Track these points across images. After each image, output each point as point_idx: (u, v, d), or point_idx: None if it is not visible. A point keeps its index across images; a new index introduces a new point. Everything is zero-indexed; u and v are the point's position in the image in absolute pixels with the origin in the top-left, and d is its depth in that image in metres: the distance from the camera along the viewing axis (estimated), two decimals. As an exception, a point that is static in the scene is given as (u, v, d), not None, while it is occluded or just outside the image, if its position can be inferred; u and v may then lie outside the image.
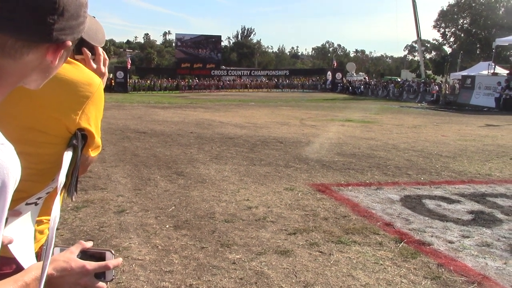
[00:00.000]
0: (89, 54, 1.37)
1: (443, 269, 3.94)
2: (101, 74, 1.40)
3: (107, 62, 1.45)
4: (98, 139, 1.30)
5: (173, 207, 5.55)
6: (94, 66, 1.39)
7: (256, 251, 4.23)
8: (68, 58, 1.19)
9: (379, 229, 4.94)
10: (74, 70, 1.19)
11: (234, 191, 6.37)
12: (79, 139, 1.20)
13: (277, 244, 4.43)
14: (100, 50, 1.39)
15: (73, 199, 1.23)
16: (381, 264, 4.02)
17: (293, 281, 3.65)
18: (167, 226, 4.87)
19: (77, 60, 1.34)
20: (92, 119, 1.24)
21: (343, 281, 3.67)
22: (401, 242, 4.54)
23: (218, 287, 3.50)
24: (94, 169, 7.45)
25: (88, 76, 1.23)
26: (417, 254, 4.26)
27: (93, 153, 1.32)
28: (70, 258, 1.00)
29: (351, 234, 4.76)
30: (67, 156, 1.16)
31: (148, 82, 49.85)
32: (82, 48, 1.35)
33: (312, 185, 6.87)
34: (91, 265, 1.01)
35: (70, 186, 1.20)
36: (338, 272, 3.84)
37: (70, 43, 0.85)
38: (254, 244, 4.40)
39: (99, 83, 1.25)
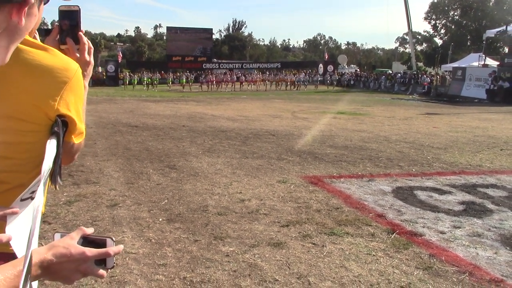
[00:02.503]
0: (73, 43, 1.35)
1: (434, 260, 3.98)
2: (85, 63, 1.38)
3: (92, 50, 1.42)
4: (80, 125, 1.27)
5: (166, 201, 5.55)
6: (78, 55, 1.37)
7: (249, 244, 4.24)
8: (44, 45, 1.17)
9: (371, 220, 4.97)
10: (49, 56, 1.17)
11: (226, 184, 6.37)
12: (60, 126, 1.18)
13: (270, 236, 4.45)
14: (85, 39, 1.36)
15: (57, 187, 1.22)
16: (374, 255, 4.05)
17: (287, 272, 3.67)
18: (160, 219, 4.87)
19: (62, 50, 1.33)
20: (72, 104, 1.21)
21: (336, 272, 3.69)
22: (393, 233, 4.57)
23: (211, 280, 3.51)
24: (86, 163, 7.43)
25: (64, 62, 1.20)
26: (409, 245, 4.29)
27: (76, 140, 1.29)
28: (70, 244, 0.98)
29: (343, 225, 4.79)
30: (51, 144, 1.14)
31: (150, 76, 43.00)
32: (66, 38, 1.34)
33: (304, 177, 6.89)
34: (91, 251, 0.99)
35: (54, 173, 1.18)
36: (331, 263, 3.87)
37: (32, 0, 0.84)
38: (247, 237, 4.42)
39: (77, 69, 1.22)
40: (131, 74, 45.22)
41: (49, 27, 1.63)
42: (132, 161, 7.78)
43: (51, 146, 1.14)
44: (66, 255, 0.96)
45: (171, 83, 43.28)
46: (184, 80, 42.20)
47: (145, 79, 41.30)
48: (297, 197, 5.83)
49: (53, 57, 1.18)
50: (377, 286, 3.48)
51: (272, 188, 6.24)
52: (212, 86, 40.66)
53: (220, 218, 4.94)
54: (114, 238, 1.04)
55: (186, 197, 5.73)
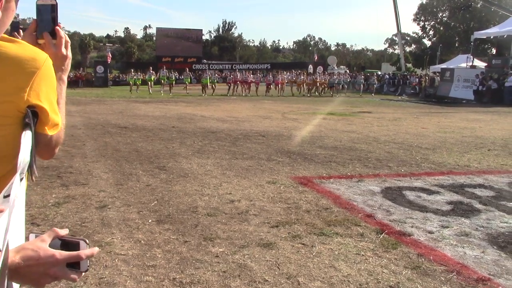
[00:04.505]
0: (50, 38, 1.34)
1: (423, 259, 4.01)
2: (62, 57, 1.36)
3: (69, 44, 1.39)
4: (54, 116, 1.23)
5: (156, 202, 5.53)
6: (54, 49, 1.34)
7: (239, 244, 4.25)
8: (11, 37, 1.15)
9: (360, 220, 5.00)
10: (16, 47, 1.14)
11: (216, 185, 6.37)
12: (30, 117, 1.14)
13: (260, 237, 4.46)
14: (62, 33, 1.34)
15: (33, 179, 1.20)
16: (363, 255, 4.07)
17: (276, 273, 3.68)
18: (150, 220, 4.86)
19: (39, 44, 1.32)
20: (43, 94, 1.17)
21: (326, 272, 3.71)
22: (382, 233, 4.60)
23: (201, 281, 3.51)
24: (75, 164, 7.39)
25: (31, 52, 1.17)
26: (397, 245, 4.32)
27: (51, 132, 1.24)
28: (40, 246, 0.95)
29: (333, 226, 4.81)
30: (26, 137, 1.11)
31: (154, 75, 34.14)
32: (43, 32, 1.32)
33: (294, 178, 6.91)
34: (61, 254, 0.95)
35: (30, 164, 1.16)
36: (321, 263, 3.88)
37: None
38: (237, 237, 4.42)
39: (45, 58, 1.19)
40: (138, 72, 36.00)
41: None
42: (122, 162, 7.75)
43: (27, 139, 1.11)
44: (34, 258, 0.93)
45: (189, 83, 34.57)
46: (207, 80, 32.47)
47: (152, 78, 33.41)
48: (286, 197, 5.85)
49: (20, 48, 1.16)
50: (366, 285, 3.50)
51: (261, 189, 6.25)
52: (236, 87, 33.12)
53: (210, 219, 4.94)
54: (87, 241, 1.00)
55: (175, 198, 5.72)
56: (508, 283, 3.59)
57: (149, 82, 33.35)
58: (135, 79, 34.42)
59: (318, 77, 35.26)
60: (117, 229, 4.58)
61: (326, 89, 34.82)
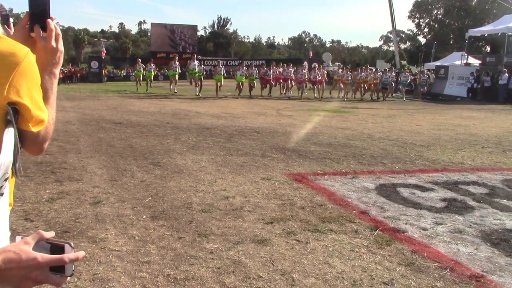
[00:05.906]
0: (40, 30, 1.30)
1: (417, 256, 4.03)
2: (52, 50, 1.33)
3: (60, 37, 1.36)
4: (38, 113, 1.20)
5: (150, 198, 5.52)
6: (43, 42, 1.31)
7: (234, 241, 4.25)
8: None
9: (354, 217, 5.01)
10: None
11: (211, 181, 6.36)
12: (11, 114, 1.11)
13: (254, 233, 4.46)
14: (52, 25, 1.31)
15: (18, 176, 1.18)
16: (357, 252, 4.08)
17: (270, 269, 3.68)
18: (144, 216, 4.85)
19: (31, 37, 1.30)
20: (23, 91, 1.14)
21: (320, 269, 3.71)
22: (376, 230, 4.61)
23: (195, 277, 3.51)
24: (69, 160, 7.36)
25: (11, 46, 1.14)
26: (391, 242, 4.33)
27: (35, 129, 1.21)
28: (22, 249, 0.92)
29: (327, 222, 4.81)
30: (9, 134, 1.09)
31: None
32: (34, 25, 1.30)
33: (288, 174, 6.91)
34: (43, 258, 0.92)
35: (13, 162, 1.12)
36: (315, 260, 3.89)
37: None
38: (231, 234, 4.42)
39: (26, 53, 1.16)
40: (151, 63, 28.57)
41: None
42: (116, 158, 7.73)
43: (9, 136, 1.09)
44: (15, 261, 0.91)
45: (223, 80, 25.90)
46: (242, 79, 25.69)
47: (176, 72, 26.29)
48: (281, 194, 5.85)
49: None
50: (360, 282, 3.51)
51: (256, 185, 6.25)
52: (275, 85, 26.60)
53: (204, 215, 4.93)
54: (72, 244, 0.97)
55: (170, 194, 5.71)
56: (501, 279, 3.61)
57: (172, 78, 26.63)
58: (145, 72, 28.14)
59: (368, 76, 26.17)
60: (111, 225, 4.57)
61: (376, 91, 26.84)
